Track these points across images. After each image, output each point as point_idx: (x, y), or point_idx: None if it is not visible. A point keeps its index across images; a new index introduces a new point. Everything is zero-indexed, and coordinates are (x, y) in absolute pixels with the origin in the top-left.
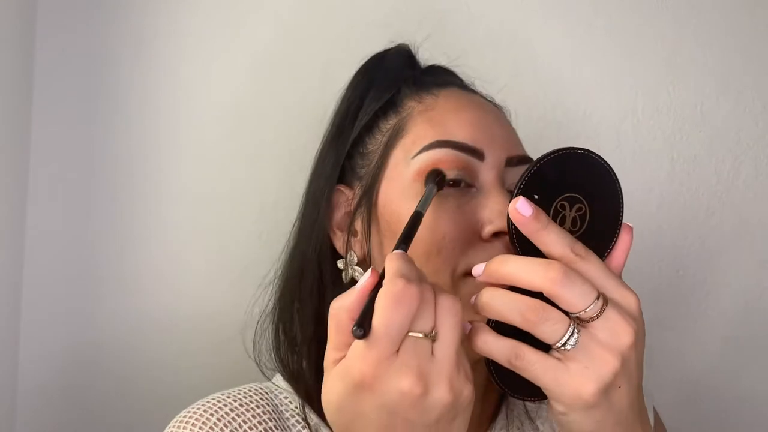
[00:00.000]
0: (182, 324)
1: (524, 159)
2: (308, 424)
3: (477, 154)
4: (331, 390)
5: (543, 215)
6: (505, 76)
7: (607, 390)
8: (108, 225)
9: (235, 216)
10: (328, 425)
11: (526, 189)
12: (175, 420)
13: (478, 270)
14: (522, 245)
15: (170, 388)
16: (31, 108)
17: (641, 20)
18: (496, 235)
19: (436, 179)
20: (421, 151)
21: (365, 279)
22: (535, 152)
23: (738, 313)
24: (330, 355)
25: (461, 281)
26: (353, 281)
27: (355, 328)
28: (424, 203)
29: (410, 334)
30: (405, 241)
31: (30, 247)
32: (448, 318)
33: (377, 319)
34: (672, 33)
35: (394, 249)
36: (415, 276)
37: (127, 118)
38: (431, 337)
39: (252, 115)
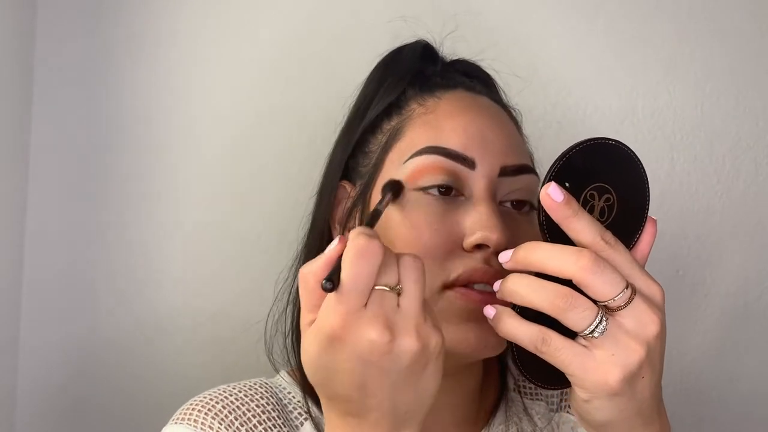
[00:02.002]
0: (182, 324)
1: (521, 168)
2: (311, 415)
3: (467, 162)
4: (307, 349)
5: (574, 202)
6: (505, 76)
7: (632, 378)
8: (108, 225)
9: (235, 216)
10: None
11: (557, 176)
12: (182, 408)
13: (505, 256)
14: (551, 232)
15: (171, 388)
16: (31, 108)
17: (641, 20)
18: (479, 246)
19: (392, 189)
20: (412, 156)
21: (333, 245)
22: (534, 153)
23: (738, 313)
24: (304, 317)
25: (438, 295)
26: None
27: (324, 282)
28: (383, 205)
29: (376, 287)
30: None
31: (30, 247)
32: (411, 272)
33: (345, 273)
34: (672, 33)
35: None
36: (376, 236)
37: (128, 118)
38: (396, 290)
39: (253, 115)
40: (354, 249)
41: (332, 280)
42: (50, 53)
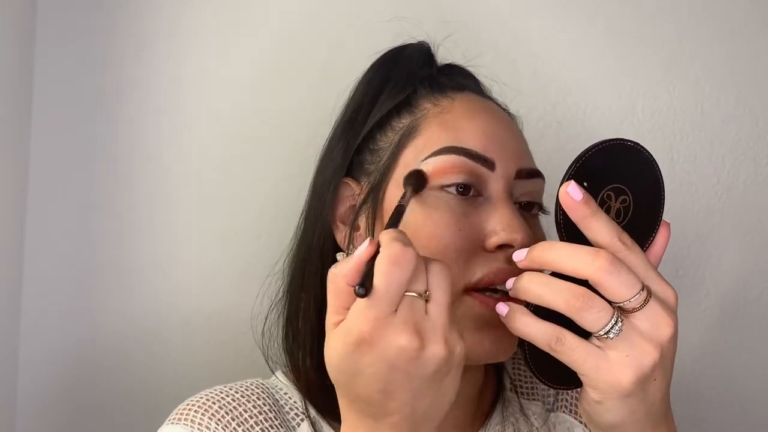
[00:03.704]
0: (182, 324)
1: (534, 172)
2: (308, 416)
3: (488, 163)
4: (333, 350)
5: (593, 201)
6: (505, 76)
7: (644, 380)
8: (108, 225)
9: (235, 216)
10: (325, 418)
11: (576, 175)
12: (178, 408)
13: (520, 255)
14: (568, 232)
15: (170, 388)
16: (31, 108)
17: (641, 20)
18: (501, 247)
19: (415, 182)
20: (431, 155)
21: (363, 247)
22: (534, 152)
23: (738, 313)
24: (330, 318)
25: (458, 299)
26: None
27: (357, 287)
28: (406, 200)
29: (407, 294)
30: (392, 226)
31: (30, 247)
32: (439, 280)
33: (378, 280)
34: (672, 33)
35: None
36: (410, 242)
37: (127, 117)
38: (425, 297)
39: (252, 115)
40: (389, 256)
41: (365, 286)
42: (50, 53)
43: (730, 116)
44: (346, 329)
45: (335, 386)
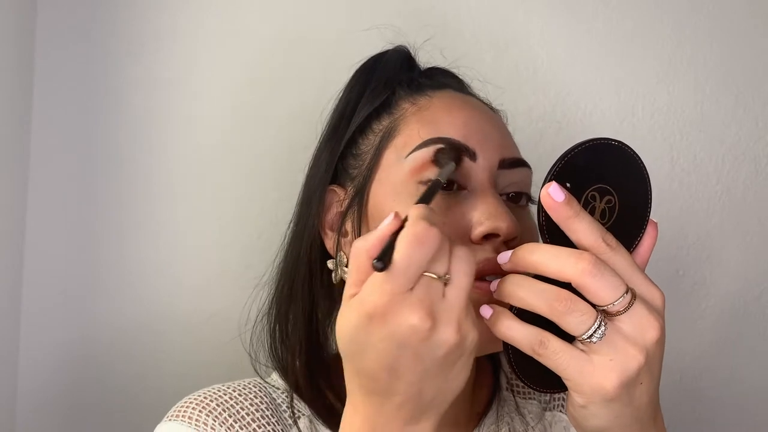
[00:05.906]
0: (182, 324)
1: (518, 162)
2: (294, 417)
3: (468, 153)
4: (345, 321)
5: (575, 202)
6: (505, 77)
7: (629, 384)
8: (108, 225)
9: (236, 216)
10: (318, 417)
11: (558, 176)
12: (177, 405)
13: (504, 257)
14: (551, 234)
15: (170, 387)
16: (31, 108)
17: (641, 20)
18: (487, 237)
19: (453, 155)
20: (413, 151)
21: (388, 221)
22: (534, 152)
23: (738, 313)
24: (348, 290)
25: None
26: (342, 282)
27: (375, 261)
28: (444, 175)
29: (425, 274)
30: (424, 201)
31: (30, 247)
32: (462, 264)
33: (398, 255)
34: (672, 33)
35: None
36: (437, 222)
37: (128, 117)
38: (444, 279)
39: (252, 115)
40: (412, 233)
41: (383, 260)
42: (50, 53)
43: (730, 116)
44: (360, 301)
45: (343, 358)
